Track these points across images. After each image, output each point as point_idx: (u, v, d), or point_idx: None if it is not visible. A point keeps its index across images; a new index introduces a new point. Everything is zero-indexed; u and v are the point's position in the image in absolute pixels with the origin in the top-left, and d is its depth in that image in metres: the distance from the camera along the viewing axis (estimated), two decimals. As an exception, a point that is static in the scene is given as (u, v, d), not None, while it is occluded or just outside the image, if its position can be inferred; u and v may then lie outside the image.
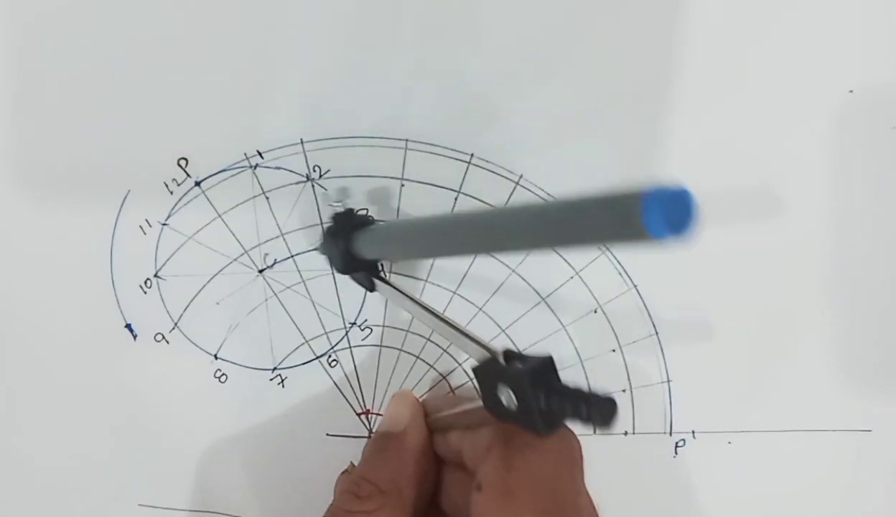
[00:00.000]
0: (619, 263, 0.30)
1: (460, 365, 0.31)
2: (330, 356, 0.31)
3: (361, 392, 0.32)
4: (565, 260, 0.30)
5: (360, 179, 0.29)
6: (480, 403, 0.22)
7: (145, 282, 0.31)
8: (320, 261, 0.30)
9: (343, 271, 0.28)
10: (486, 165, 0.29)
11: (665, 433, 0.31)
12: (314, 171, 0.29)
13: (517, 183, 0.29)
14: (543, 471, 0.21)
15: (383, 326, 0.31)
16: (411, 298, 0.26)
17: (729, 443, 0.31)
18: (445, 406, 0.27)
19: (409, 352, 0.31)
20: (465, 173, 0.29)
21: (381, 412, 0.31)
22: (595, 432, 0.31)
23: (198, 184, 0.29)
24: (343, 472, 0.30)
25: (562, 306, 0.30)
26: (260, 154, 0.29)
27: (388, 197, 0.30)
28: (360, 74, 0.28)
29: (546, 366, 0.21)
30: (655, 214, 0.12)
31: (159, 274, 0.31)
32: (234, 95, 0.28)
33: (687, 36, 0.28)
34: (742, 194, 0.29)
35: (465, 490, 0.23)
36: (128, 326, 0.31)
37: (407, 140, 0.29)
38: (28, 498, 0.33)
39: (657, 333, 0.30)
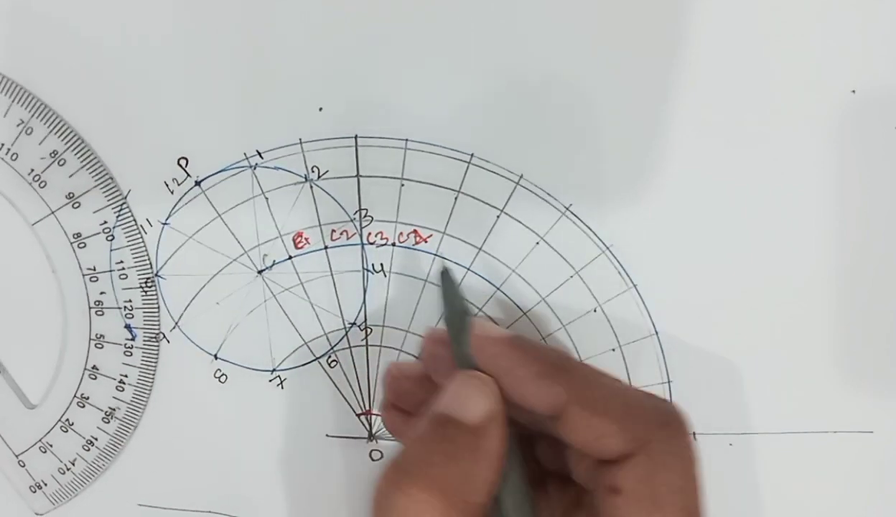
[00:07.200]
0: (619, 263, 0.30)
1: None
2: (329, 357, 0.31)
3: (361, 392, 0.32)
4: (565, 259, 0.30)
5: (359, 179, 0.29)
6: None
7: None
8: (319, 263, 0.30)
9: None
10: (486, 165, 0.29)
11: (666, 434, 0.31)
12: (313, 171, 0.29)
13: (517, 183, 0.29)
14: (682, 478, 0.21)
15: (383, 326, 0.31)
16: None
17: (730, 445, 0.31)
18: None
19: (408, 353, 0.31)
20: (465, 173, 0.29)
21: (381, 413, 0.31)
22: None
23: (198, 183, 0.29)
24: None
25: (561, 306, 0.30)
26: (259, 154, 0.29)
27: (388, 197, 0.30)
28: (359, 74, 0.28)
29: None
30: None
31: (160, 273, 0.31)
32: (233, 94, 0.28)
33: (688, 37, 0.28)
34: (743, 195, 0.29)
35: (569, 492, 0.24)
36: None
37: (407, 140, 0.29)
38: (28, 498, 0.33)
39: (657, 333, 0.30)
